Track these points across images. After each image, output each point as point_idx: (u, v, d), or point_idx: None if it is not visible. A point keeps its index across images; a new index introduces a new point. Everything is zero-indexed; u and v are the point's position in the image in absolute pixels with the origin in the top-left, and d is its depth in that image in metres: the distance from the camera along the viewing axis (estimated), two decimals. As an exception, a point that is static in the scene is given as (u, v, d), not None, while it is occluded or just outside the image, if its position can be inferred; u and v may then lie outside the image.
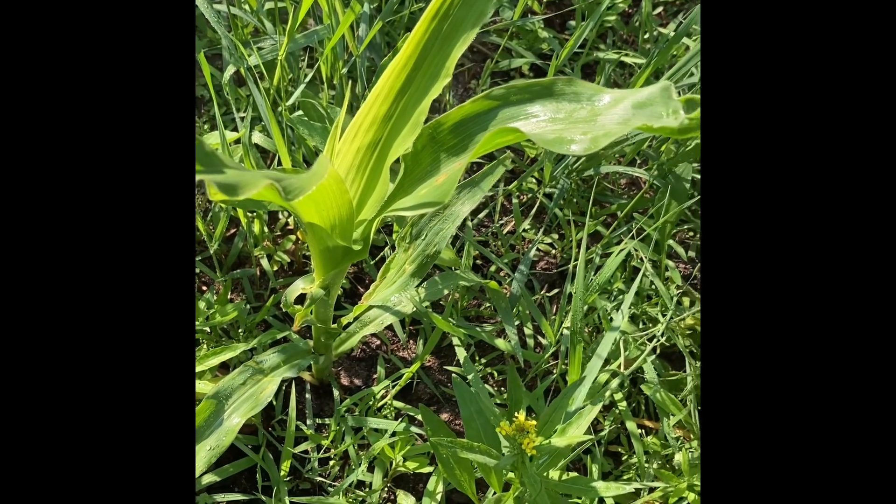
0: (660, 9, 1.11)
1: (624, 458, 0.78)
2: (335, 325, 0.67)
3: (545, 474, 0.57)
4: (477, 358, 0.82)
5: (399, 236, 0.62)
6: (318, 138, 0.69)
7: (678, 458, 0.74)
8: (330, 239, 0.49)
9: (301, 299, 0.66)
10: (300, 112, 0.72)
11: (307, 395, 0.77)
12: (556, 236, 0.90)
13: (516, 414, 0.52)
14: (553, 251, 0.90)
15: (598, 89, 0.44)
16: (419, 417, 0.71)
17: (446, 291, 0.75)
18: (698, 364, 0.78)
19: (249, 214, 0.78)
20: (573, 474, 0.60)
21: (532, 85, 0.45)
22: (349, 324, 0.72)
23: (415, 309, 0.71)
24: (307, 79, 0.74)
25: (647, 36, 1.02)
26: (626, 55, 0.96)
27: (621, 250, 0.74)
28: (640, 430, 0.78)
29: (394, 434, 0.72)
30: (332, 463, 0.74)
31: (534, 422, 0.52)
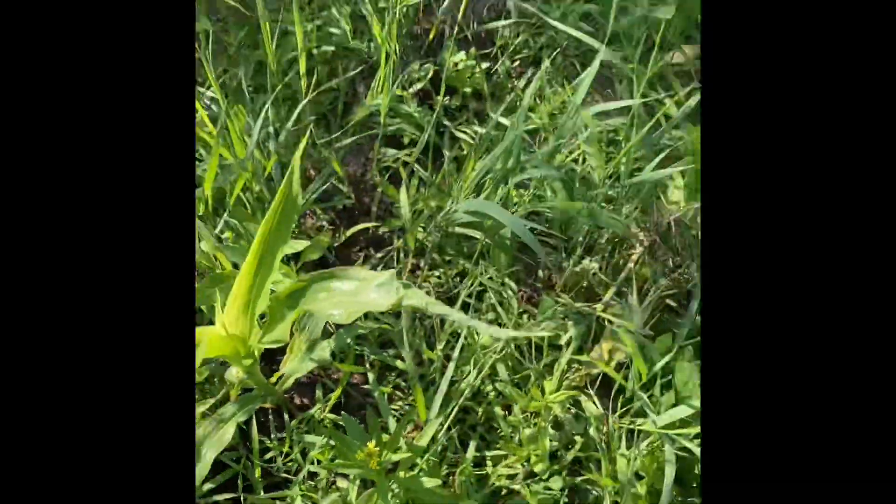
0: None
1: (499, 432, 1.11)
2: (271, 381, 1.00)
3: (403, 474, 0.89)
4: (388, 376, 1.14)
5: (295, 327, 0.93)
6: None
7: (527, 432, 1.06)
8: (229, 360, 0.81)
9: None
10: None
11: (269, 416, 1.11)
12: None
13: (367, 444, 0.85)
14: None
15: (366, 275, 0.73)
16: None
17: (349, 340, 1.07)
18: (538, 364, 1.08)
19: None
20: (414, 475, 0.92)
21: (326, 275, 0.75)
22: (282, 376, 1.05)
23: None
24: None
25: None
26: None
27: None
28: (504, 412, 1.10)
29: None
30: (291, 463, 1.08)
31: (375, 448, 0.84)
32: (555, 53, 1.25)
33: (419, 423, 1.02)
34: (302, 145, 0.73)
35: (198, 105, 1.16)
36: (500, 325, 1.12)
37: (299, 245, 1.04)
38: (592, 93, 1.25)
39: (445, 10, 1.23)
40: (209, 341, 0.75)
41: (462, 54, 1.25)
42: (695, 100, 1.07)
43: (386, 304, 0.67)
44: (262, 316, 0.79)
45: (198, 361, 0.75)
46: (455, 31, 1.27)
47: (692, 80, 1.23)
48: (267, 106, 1.01)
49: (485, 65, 1.27)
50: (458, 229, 1.07)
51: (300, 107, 1.06)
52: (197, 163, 1.16)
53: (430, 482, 0.89)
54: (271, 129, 1.12)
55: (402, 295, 0.67)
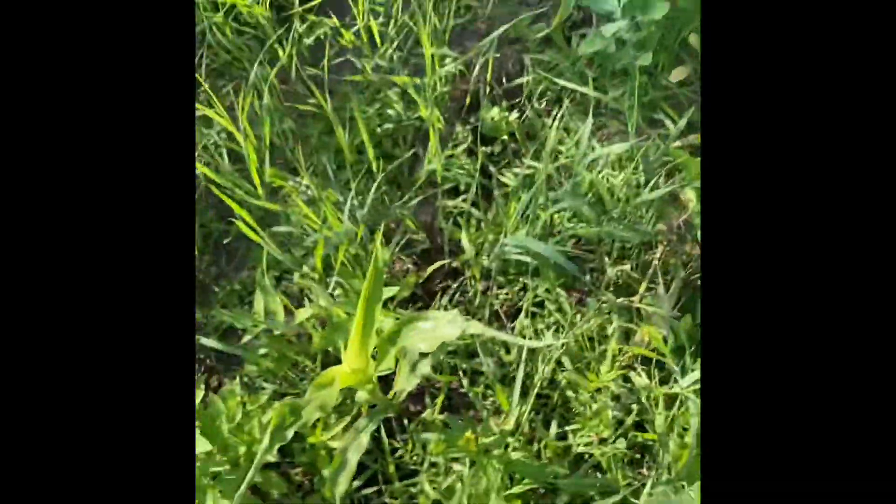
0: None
1: (573, 410, 1.38)
2: (389, 397, 1.31)
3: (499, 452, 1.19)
4: (478, 379, 1.43)
5: (398, 356, 1.24)
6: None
7: (594, 407, 1.33)
8: (356, 387, 1.13)
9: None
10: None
11: (393, 423, 1.43)
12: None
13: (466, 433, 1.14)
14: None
15: (440, 315, 1.03)
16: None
17: (441, 356, 1.37)
18: (594, 352, 1.35)
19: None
20: (507, 452, 1.21)
21: (413, 318, 1.04)
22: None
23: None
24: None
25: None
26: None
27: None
28: (574, 394, 1.37)
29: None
30: (415, 457, 1.39)
31: (473, 436, 1.14)
32: (572, 94, 1.51)
33: (506, 412, 1.31)
34: (378, 243, 1.03)
35: (294, 191, 1.49)
36: (559, 325, 1.40)
37: (391, 291, 1.35)
38: (605, 119, 1.51)
39: (477, 76, 1.51)
40: (341, 377, 1.07)
41: (496, 109, 1.52)
42: (683, 122, 1.32)
43: (455, 335, 0.96)
44: (373, 354, 1.11)
45: (335, 394, 1.07)
46: (488, 91, 1.55)
47: (683, 101, 1.46)
48: (353, 189, 1.33)
49: (515, 114, 1.55)
50: (512, 257, 1.35)
51: (376, 183, 1.38)
52: (305, 237, 1.50)
53: (521, 455, 1.18)
54: (356, 201, 1.43)
55: (464, 327, 0.96)
